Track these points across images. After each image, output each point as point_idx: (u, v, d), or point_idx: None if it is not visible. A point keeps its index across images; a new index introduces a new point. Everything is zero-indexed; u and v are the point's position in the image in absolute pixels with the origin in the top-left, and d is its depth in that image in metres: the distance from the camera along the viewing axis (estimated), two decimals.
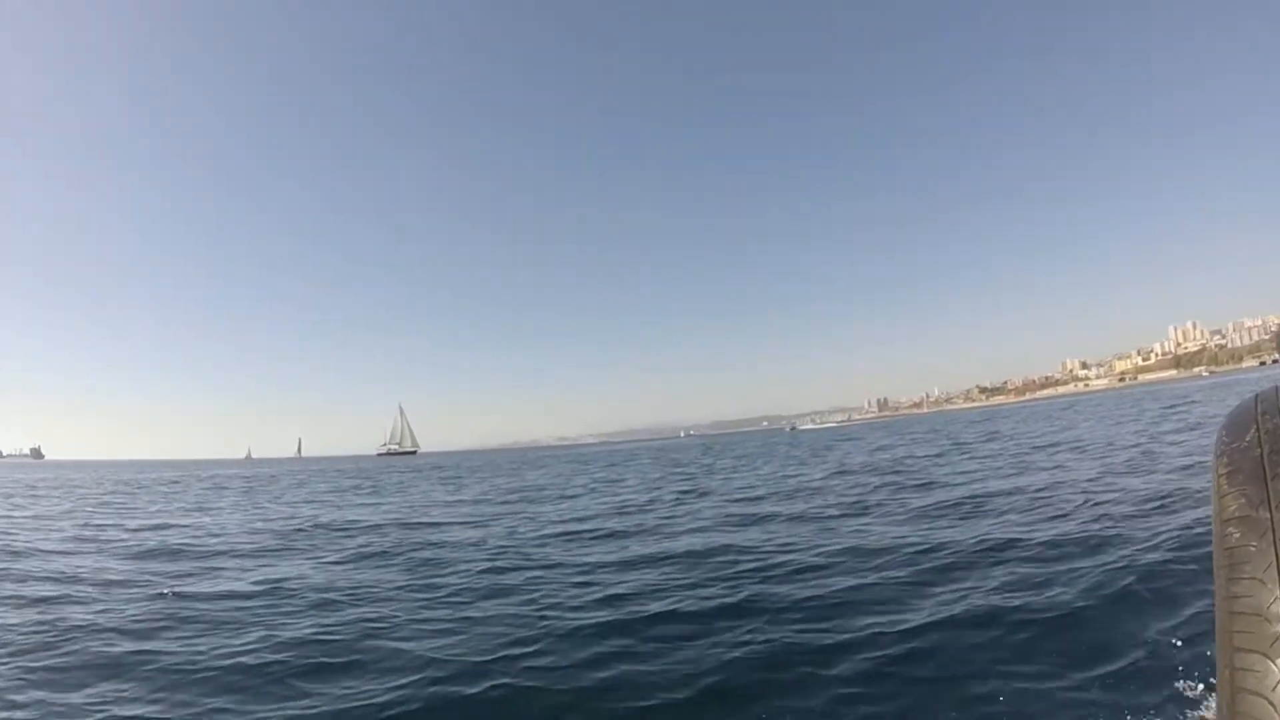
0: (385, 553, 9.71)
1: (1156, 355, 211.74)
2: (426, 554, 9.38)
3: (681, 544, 8.92)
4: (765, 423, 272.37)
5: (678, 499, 15.22)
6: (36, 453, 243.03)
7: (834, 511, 10.83)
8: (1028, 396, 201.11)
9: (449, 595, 6.87)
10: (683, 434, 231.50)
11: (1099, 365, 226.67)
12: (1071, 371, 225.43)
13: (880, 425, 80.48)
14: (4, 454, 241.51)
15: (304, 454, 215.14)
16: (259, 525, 14.03)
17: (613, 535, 10.41)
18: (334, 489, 26.91)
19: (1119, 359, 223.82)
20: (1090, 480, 11.22)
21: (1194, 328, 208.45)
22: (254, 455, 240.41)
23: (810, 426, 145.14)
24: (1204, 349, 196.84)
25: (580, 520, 12.50)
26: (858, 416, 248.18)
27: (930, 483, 13.49)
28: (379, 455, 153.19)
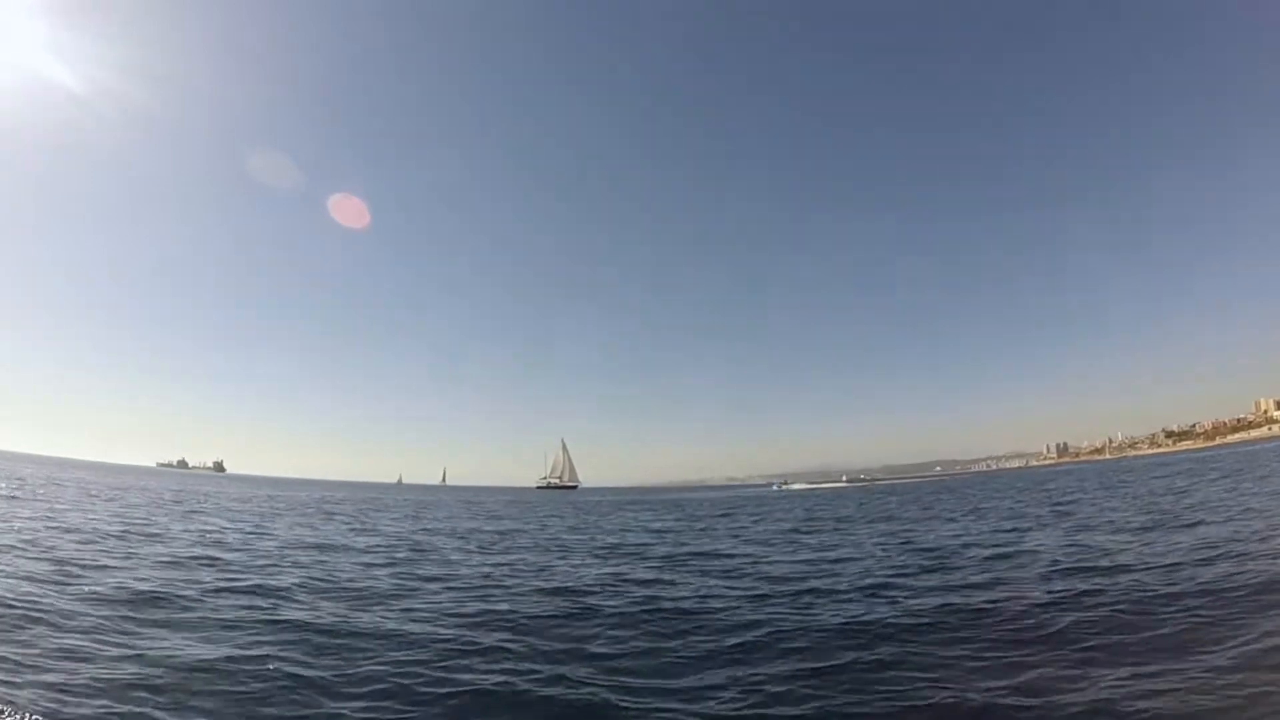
0: None
1: None
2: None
3: None
4: (938, 468, 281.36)
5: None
6: (219, 466, 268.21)
7: None
8: (1217, 441, 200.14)
9: None
10: (844, 479, 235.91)
11: None
12: (1266, 413, 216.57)
13: (882, 490, 72.67)
14: (191, 466, 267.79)
15: (448, 482, 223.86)
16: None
17: None
18: (688, 522, 28.75)
19: None
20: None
21: None
22: (404, 481, 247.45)
23: (799, 487, 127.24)
24: None
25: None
26: (1036, 462, 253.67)
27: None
28: (538, 488, 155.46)
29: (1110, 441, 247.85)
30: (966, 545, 15.05)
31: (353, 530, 23.05)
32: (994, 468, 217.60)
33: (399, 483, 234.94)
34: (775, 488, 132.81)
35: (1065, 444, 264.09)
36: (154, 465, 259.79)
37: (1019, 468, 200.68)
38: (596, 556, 16.53)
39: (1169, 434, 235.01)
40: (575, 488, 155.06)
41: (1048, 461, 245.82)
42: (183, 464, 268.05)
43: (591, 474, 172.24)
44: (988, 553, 13.57)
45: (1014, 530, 17.86)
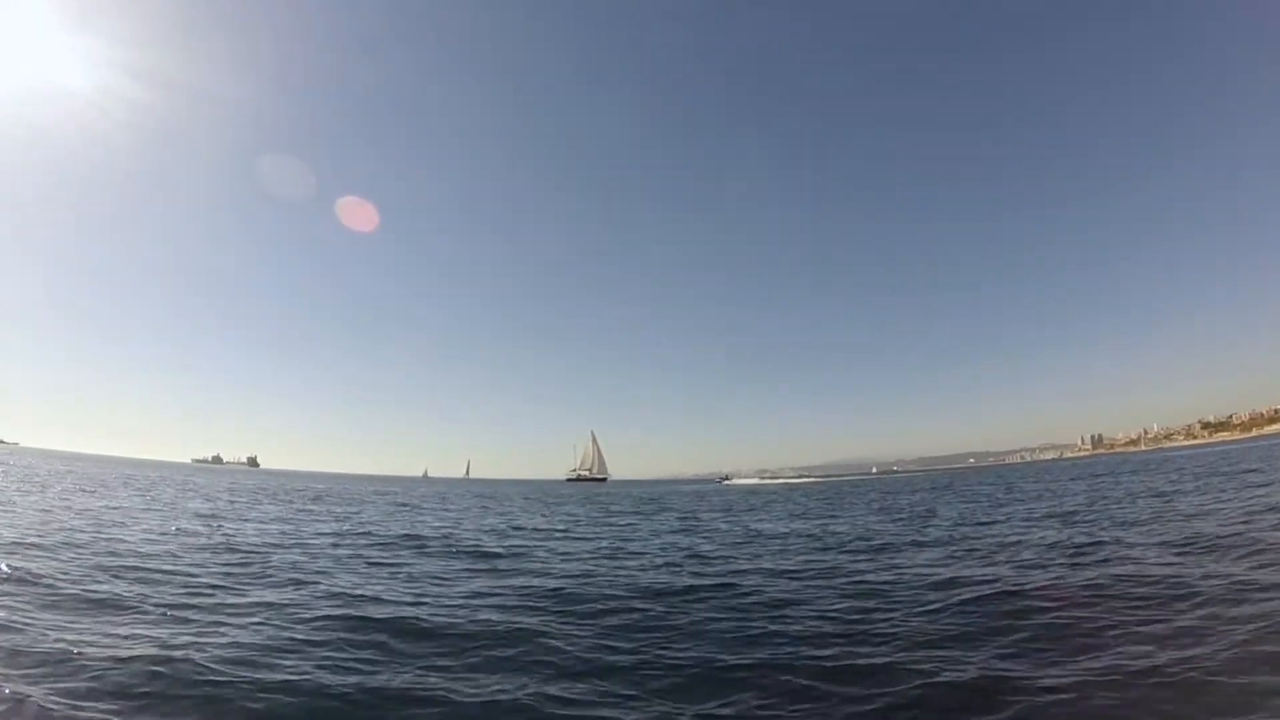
0: None
1: None
2: None
3: None
4: (972, 459, 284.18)
5: None
6: (253, 461, 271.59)
7: None
8: (1254, 433, 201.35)
9: None
10: (875, 469, 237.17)
11: None
12: None
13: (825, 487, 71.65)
14: (225, 461, 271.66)
15: (471, 475, 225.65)
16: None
17: None
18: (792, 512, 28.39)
19: None
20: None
21: None
22: (430, 474, 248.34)
23: (747, 482, 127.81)
24: None
25: None
26: (1070, 454, 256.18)
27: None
28: (568, 480, 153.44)
29: (1145, 433, 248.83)
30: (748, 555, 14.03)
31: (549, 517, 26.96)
32: (1028, 459, 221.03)
33: (424, 476, 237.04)
34: (718, 482, 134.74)
35: (1100, 435, 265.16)
36: (189, 461, 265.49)
37: (1053, 459, 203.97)
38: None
39: (1205, 425, 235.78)
40: (605, 480, 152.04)
41: (1082, 453, 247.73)
42: (217, 460, 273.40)
43: (622, 467, 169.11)
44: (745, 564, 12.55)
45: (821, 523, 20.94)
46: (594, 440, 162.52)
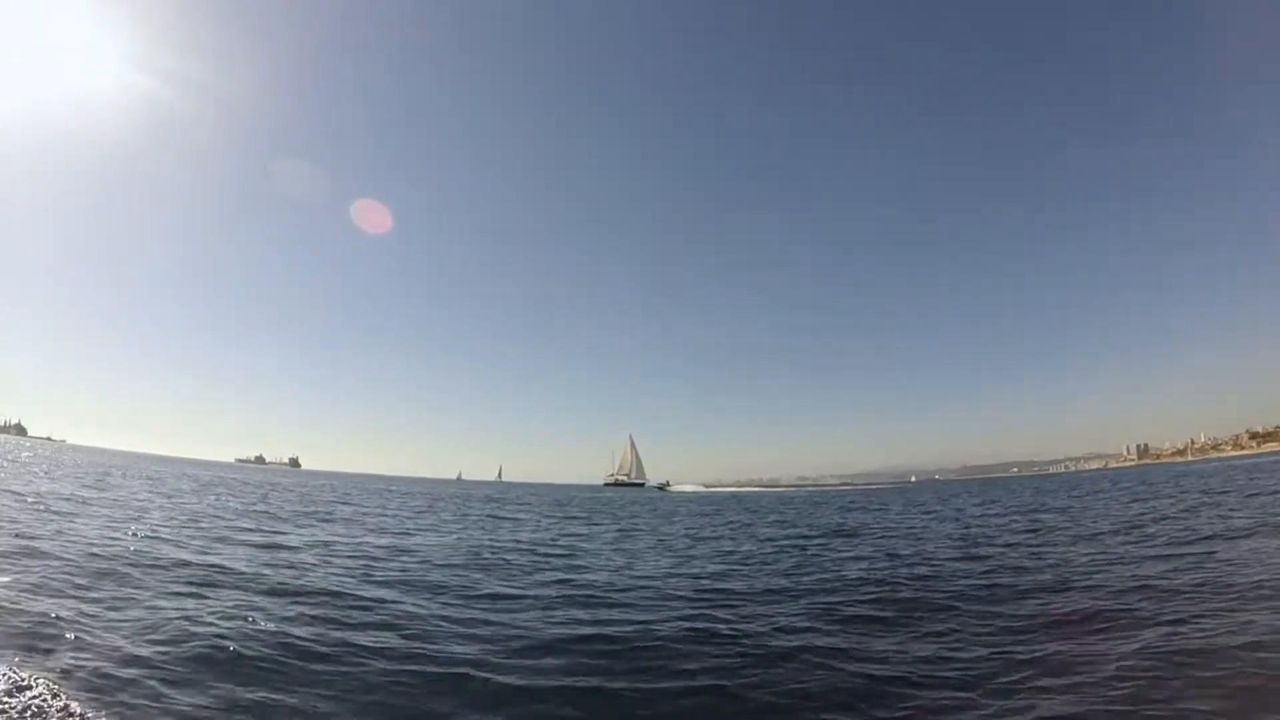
0: None
1: None
2: None
3: None
4: (1015, 469, 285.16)
5: None
6: (294, 462, 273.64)
7: None
8: None
9: None
10: (914, 478, 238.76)
11: None
12: None
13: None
14: (268, 462, 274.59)
15: (504, 478, 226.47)
16: None
17: None
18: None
19: None
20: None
21: None
22: (464, 477, 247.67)
23: (688, 489, 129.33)
24: None
25: None
26: (1114, 464, 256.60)
27: None
28: (606, 485, 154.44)
29: (1193, 443, 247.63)
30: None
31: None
32: (1071, 469, 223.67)
33: (458, 479, 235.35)
34: (657, 488, 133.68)
35: (1146, 445, 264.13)
36: (233, 461, 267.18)
37: (1098, 469, 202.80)
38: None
39: (1253, 435, 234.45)
40: (643, 485, 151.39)
41: (1128, 463, 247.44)
42: (260, 460, 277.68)
43: (664, 473, 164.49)
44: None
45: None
46: (632, 445, 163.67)
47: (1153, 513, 21.35)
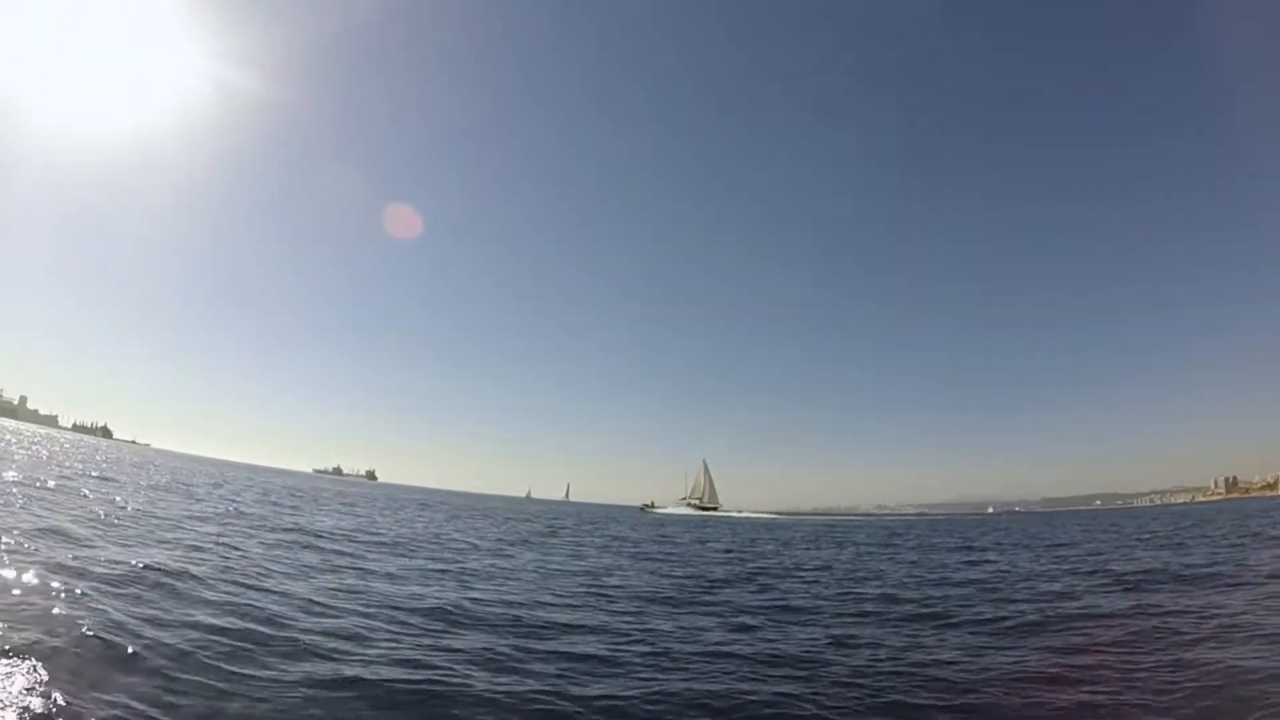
0: None
1: None
2: None
3: None
4: (1099, 501, 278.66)
5: None
6: (371, 475, 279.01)
7: None
8: None
9: None
10: (991, 509, 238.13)
11: None
12: None
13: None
14: (345, 473, 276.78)
15: (571, 498, 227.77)
16: None
17: None
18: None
19: None
20: None
21: None
22: (533, 495, 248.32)
23: (673, 511, 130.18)
24: None
25: None
26: (1201, 498, 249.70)
27: None
28: (673, 507, 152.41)
29: None
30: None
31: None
32: (1157, 503, 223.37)
33: (528, 496, 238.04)
34: (642, 509, 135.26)
35: (1234, 478, 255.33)
36: (310, 471, 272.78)
37: (1184, 503, 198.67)
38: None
39: None
40: (716, 510, 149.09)
41: (1215, 497, 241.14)
42: (337, 471, 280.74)
43: (735, 499, 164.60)
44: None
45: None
46: (705, 470, 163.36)
47: None
